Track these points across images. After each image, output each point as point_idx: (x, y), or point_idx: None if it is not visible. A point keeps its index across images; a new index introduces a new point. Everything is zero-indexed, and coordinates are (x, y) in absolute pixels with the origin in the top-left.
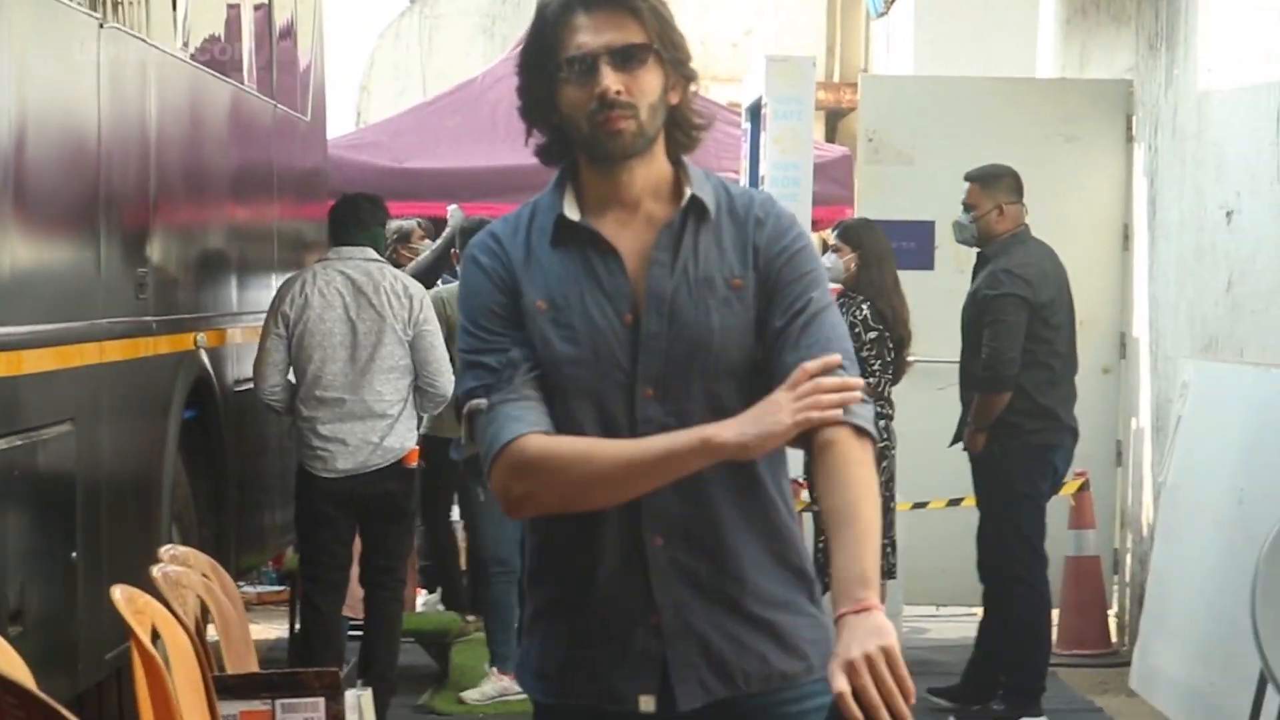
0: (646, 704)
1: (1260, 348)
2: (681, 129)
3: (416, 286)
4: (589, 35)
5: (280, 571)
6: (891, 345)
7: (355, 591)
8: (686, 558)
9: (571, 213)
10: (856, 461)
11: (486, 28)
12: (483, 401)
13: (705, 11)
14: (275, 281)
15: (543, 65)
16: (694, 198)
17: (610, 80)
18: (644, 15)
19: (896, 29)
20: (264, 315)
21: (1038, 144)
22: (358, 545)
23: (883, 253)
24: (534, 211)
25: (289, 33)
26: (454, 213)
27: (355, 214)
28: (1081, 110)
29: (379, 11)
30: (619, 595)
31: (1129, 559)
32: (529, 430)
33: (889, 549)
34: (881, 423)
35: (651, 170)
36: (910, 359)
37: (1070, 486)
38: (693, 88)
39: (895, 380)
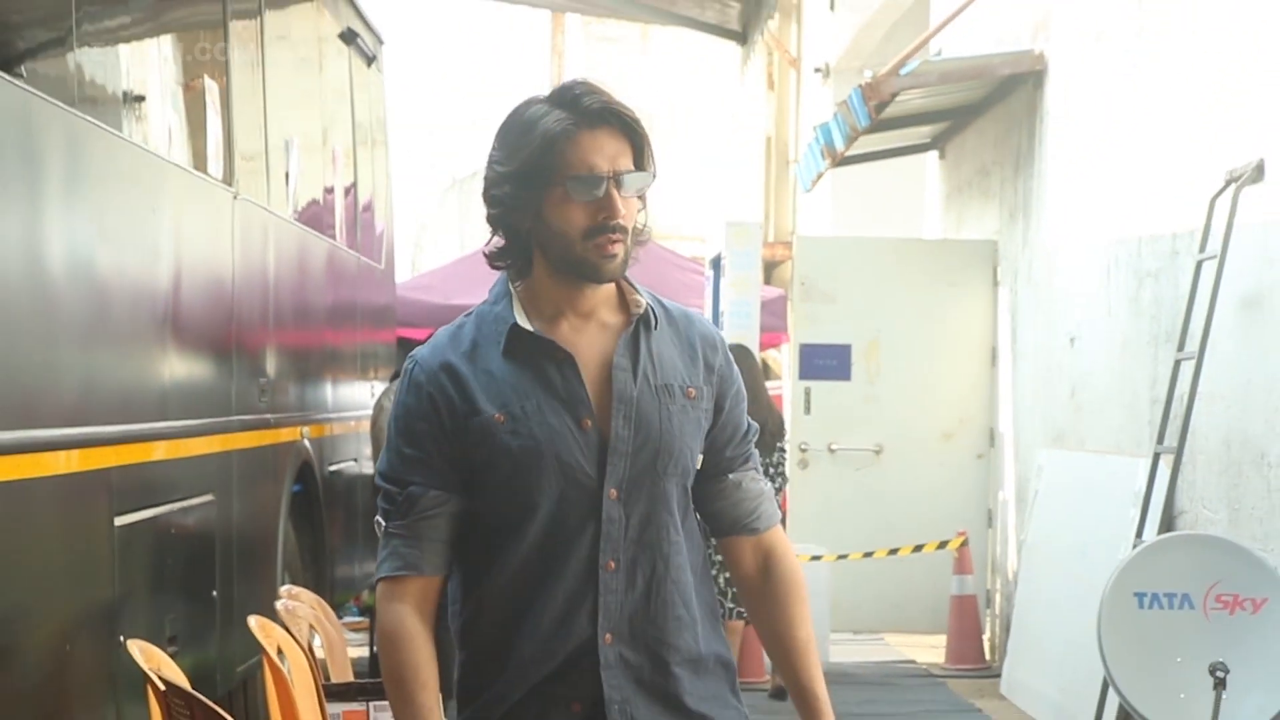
0: None
1: (1097, 440)
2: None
3: None
4: (600, 157)
5: (360, 606)
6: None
7: None
8: (632, 655)
9: (525, 322)
10: (798, 597)
11: None
12: (381, 522)
13: (682, 186)
14: (358, 389)
15: (537, 176)
16: (649, 308)
17: (620, 205)
18: (643, 142)
19: (818, 199)
20: (349, 415)
21: (926, 288)
22: None
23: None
24: (479, 323)
25: (369, 203)
26: None
27: None
28: (959, 262)
29: (430, 188)
30: (562, 689)
31: (998, 597)
32: (398, 572)
33: None
34: (778, 483)
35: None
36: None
37: (954, 543)
38: (642, 210)
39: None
